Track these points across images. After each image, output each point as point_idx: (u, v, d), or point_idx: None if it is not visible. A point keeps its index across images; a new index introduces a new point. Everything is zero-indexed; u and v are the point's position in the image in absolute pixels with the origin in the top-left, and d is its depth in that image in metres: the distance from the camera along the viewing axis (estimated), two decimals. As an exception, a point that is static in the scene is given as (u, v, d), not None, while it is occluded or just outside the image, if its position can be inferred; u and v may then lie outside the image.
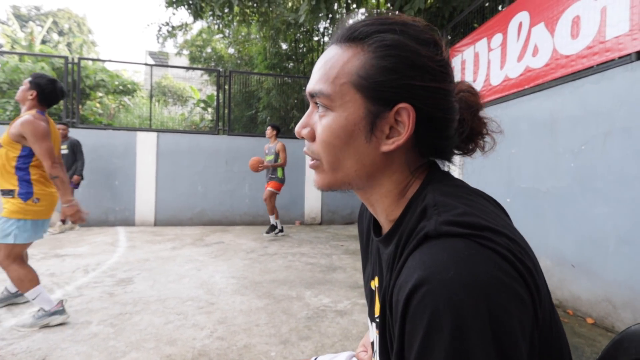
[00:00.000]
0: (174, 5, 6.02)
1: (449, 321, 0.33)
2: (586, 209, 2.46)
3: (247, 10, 6.79)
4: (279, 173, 5.15)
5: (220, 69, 6.67)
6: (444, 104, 0.47)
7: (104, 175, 5.83)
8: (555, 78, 2.80)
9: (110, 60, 8.02)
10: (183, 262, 3.69)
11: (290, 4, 8.07)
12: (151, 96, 7.19)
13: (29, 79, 2.18)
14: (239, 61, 13.19)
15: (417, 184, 0.50)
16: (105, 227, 5.75)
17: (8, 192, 2.10)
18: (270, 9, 6.66)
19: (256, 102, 11.22)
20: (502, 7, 3.77)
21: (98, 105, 10.45)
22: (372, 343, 0.67)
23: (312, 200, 6.71)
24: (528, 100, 3.07)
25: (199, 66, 13.00)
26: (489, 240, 0.37)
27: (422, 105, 0.46)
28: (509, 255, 0.37)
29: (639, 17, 2.17)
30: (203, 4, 5.80)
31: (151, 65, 6.52)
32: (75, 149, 5.15)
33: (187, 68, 9.36)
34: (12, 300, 2.50)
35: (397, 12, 0.48)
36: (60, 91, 2.25)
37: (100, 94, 10.23)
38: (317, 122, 0.50)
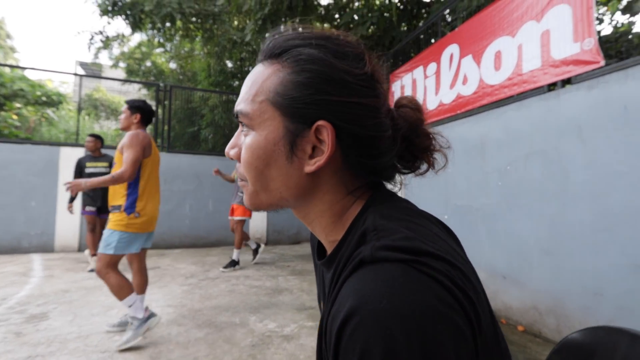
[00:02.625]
0: (110, 15, 5.66)
1: (381, 351, 0.30)
2: (512, 224, 2.68)
3: (191, 26, 6.61)
4: None
5: (160, 83, 6.34)
6: (367, 121, 0.44)
7: (18, 195, 5.12)
8: (482, 105, 3.08)
9: (31, 68, 7.21)
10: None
11: (236, 22, 8.05)
12: (79, 109, 6.56)
13: (127, 104, 2.41)
14: (181, 77, 12.74)
15: (358, 206, 0.47)
16: (17, 254, 5.00)
17: (117, 207, 2.27)
18: (215, 25, 6.55)
19: (199, 119, 10.85)
20: (435, 40, 4.12)
21: (15, 117, 9.29)
22: None
23: (258, 221, 6.54)
24: (460, 124, 3.34)
25: (137, 79, 12.27)
26: (427, 267, 0.35)
27: (341, 122, 0.43)
28: (448, 283, 0.34)
29: (548, 54, 2.49)
30: (143, 16, 5.53)
31: (81, 76, 6.00)
32: None
33: (123, 80, 8.76)
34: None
35: (324, 27, 0.47)
36: (152, 110, 2.51)
37: (18, 105, 9.13)
38: (242, 142, 0.48)
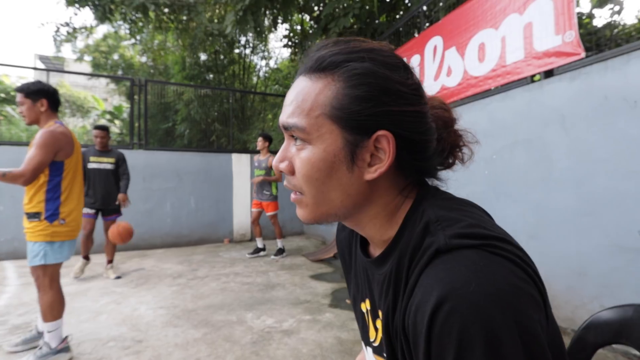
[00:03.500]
0: (76, 5, 5.33)
1: (481, 337, 0.32)
2: (500, 211, 2.79)
3: (164, 17, 6.35)
4: (274, 190, 4.81)
5: (135, 78, 6.06)
6: (421, 127, 0.47)
7: (-18, 199, 4.79)
8: (467, 96, 3.16)
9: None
10: (97, 296, 3.17)
11: (209, 14, 7.79)
12: (46, 105, 6.16)
13: (22, 92, 2.00)
14: (152, 70, 12.25)
15: (409, 202, 0.50)
16: (-16, 263, 4.69)
17: (35, 215, 1.95)
18: (190, 16, 6.33)
19: (173, 114, 10.50)
20: (417, 33, 4.17)
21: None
22: None
23: (241, 216, 6.45)
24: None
25: (105, 74, 11.69)
26: (498, 249, 0.38)
27: (400, 130, 0.45)
28: (518, 261, 0.38)
29: (531, 46, 2.59)
30: (112, 6, 5.25)
31: (47, 70, 5.62)
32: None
33: (94, 75, 8.31)
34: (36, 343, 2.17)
35: (361, 38, 0.49)
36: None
37: (-28, 103, 8.50)
38: (295, 155, 0.49)
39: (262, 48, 11.05)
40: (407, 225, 0.48)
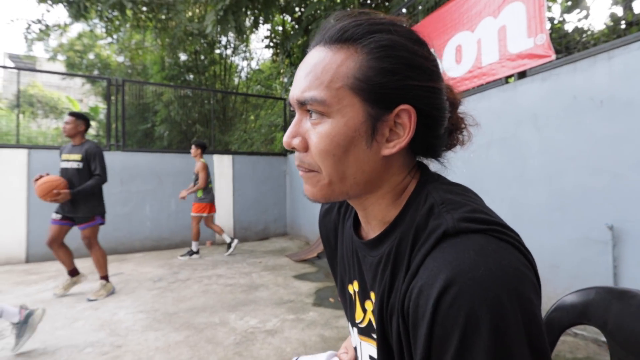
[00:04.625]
0: (49, 1, 5.15)
1: (487, 320, 0.33)
2: (478, 208, 2.87)
3: (142, 16, 6.22)
4: (198, 193, 4.94)
5: (112, 78, 5.91)
6: (440, 103, 0.47)
7: (-53, 204, 4.55)
8: (445, 96, 3.24)
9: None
10: (73, 303, 3.07)
11: (190, 14, 7.68)
12: (18, 106, 5.93)
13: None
14: (130, 70, 11.97)
15: (413, 184, 0.50)
16: (-50, 271, 4.46)
17: None
18: (170, 15, 6.22)
19: (152, 115, 10.28)
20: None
21: None
22: (355, 348, 0.64)
23: (223, 218, 6.37)
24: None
25: (81, 73, 11.33)
26: (503, 234, 0.39)
27: (421, 105, 0.45)
28: (521, 247, 0.39)
29: (505, 49, 2.68)
30: (88, 4, 5.10)
31: (18, 69, 5.41)
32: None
33: (68, 75, 8.03)
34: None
35: (381, 12, 0.48)
36: None
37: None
38: (310, 130, 0.46)
39: (244, 49, 10.98)
40: (410, 206, 0.47)
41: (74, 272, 3.32)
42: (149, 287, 3.53)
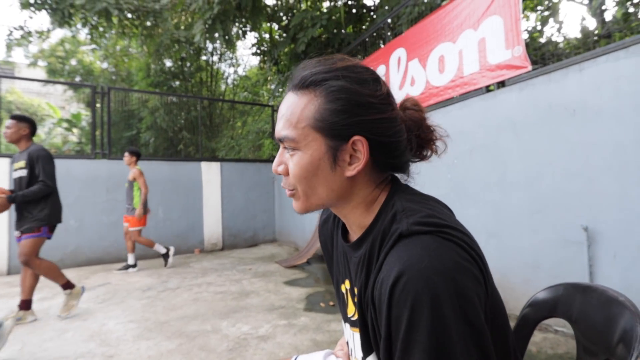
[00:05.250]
0: (32, 9, 5.08)
1: (428, 300, 0.42)
2: (462, 211, 2.98)
3: (128, 23, 6.19)
4: (136, 203, 4.61)
5: (98, 85, 5.84)
6: (390, 130, 0.56)
7: None
8: (430, 105, 3.36)
9: None
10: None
11: (175, 21, 7.68)
12: (-2, 113, 5.79)
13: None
14: (114, 77, 11.81)
15: (384, 195, 0.60)
16: None
17: None
18: (156, 22, 6.21)
19: (137, 122, 10.16)
20: (383, 43, 4.37)
21: None
22: (347, 342, 0.71)
23: (212, 226, 6.35)
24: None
25: (62, 80, 11.10)
26: (449, 235, 0.48)
27: (372, 135, 0.55)
28: (464, 245, 0.48)
29: (485, 59, 2.81)
30: (72, 10, 5.06)
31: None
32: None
33: (49, 82, 7.88)
34: None
35: (341, 56, 0.60)
36: None
37: None
38: (289, 160, 0.58)
39: (230, 55, 10.99)
40: (381, 214, 0.57)
41: (68, 286, 2.99)
42: (138, 297, 3.50)
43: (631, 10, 3.59)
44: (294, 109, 0.56)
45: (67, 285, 2.99)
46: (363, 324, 0.57)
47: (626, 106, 1.97)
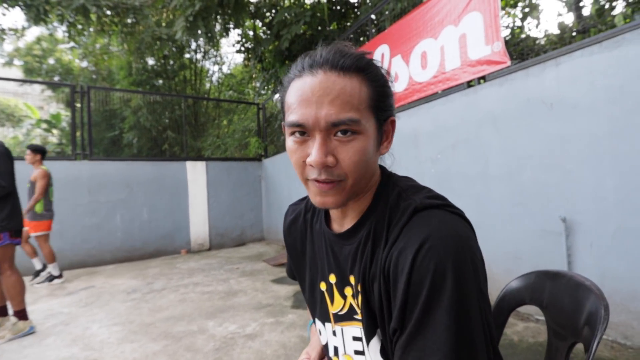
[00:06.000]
0: (5, 5, 4.91)
1: (450, 264, 0.46)
2: (446, 206, 3.02)
3: (107, 20, 6.04)
4: (37, 208, 4.02)
5: (77, 84, 5.69)
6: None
7: None
8: (413, 100, 3.39)
9: None
10: (41, 319, 2.95)
11: (157, 18, 7.52)
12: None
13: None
14: (94, 76, 11.53)
15: (377, 180, 0.63)
16: None
17: None
18: (136, 20, 6.08)
19: (119, 122, 9.96)
20: (366, 40, 4.38)
21: None
22: (327, 344, 0.70)
23: (199, 226, 6.28)
24: (396, 118, 3.62)
25: (40, 79, 10.79)
26: (454, 209, 0.54)
27: (393, 115, 0.62)
28: (467, 219, 0.54)
29: (466, 55, 2.85)
30: (48, 7, 4.91)
31: (-29, 76, 5.11)
32: None
33: (25, 82, 7.64)
34: None
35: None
36: None
37: None
38: (340, 147, 0.53)
39: (214, 53, 10.86)
40: (380, 196, 0.60)
41: (20, 315, 2.62)
42: (123, 299, 3.44)
43: (607, 6, 3.69)
44: (350, 89, 0.52)
45: (21, 315, 2.62)
46: (366, 304, 0.57)
47: (600, 100, 2.03)
